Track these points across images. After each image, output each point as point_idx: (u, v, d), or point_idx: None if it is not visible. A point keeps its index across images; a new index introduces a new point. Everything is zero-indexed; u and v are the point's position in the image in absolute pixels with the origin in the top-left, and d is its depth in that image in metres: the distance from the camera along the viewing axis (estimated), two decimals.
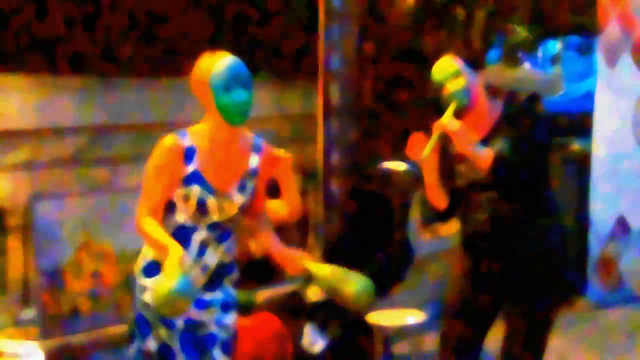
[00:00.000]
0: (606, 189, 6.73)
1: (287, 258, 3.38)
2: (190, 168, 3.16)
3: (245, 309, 4.78)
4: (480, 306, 3.76)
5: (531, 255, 3.64)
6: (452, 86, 3.60)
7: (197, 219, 3.21)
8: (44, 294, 4.73)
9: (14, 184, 4.72)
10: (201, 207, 3.19)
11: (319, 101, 6.00)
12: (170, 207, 3.21)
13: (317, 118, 6.02)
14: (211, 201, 3.20)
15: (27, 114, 4.73)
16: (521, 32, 8.07)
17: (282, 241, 3.44)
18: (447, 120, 3.52)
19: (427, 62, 6.73)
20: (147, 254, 3.29)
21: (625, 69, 6.77)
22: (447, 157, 3.68)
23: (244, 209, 3.30)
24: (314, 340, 5.05)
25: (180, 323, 3.22)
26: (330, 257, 5.84)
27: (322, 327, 5.09)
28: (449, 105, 3.61)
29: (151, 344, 3.24)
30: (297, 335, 5.03)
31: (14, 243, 4.74)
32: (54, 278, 4.76)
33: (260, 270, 5.50)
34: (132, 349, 3.32)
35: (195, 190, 3.17)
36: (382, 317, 5.10)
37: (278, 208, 3.56)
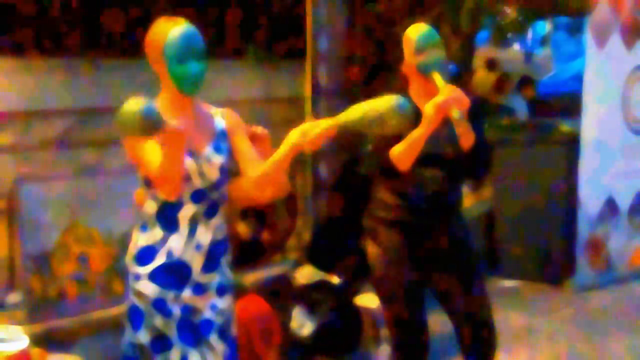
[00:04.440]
0: (595, 170, 6.73)
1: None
2: None
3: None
4: (413, 280, 3.86)
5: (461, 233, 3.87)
6: (435, 55, 3.57)
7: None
8: (30, 278, 4.71)
9: (0, 166, 4.69)
10: None
11: (307, 83, 5.97)
12: (152, 183, 3.10)
13: (305, 100, 6.00)
14: (190, 163, 3.09)
15: (12, 96, 4.70)
16: (510, 13, 8.03)
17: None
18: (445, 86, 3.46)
19: None
20: (138, 241, 3.18)
21: (615, 49, 6.76)
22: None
23: (226, 172, 3.21)
24: (302, 322, 5.05)
25: (177, 310, 3.13)
26: (318, 238, 5.84)
27: (311, 310, 5.08)
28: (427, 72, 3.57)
29: (143, 337, 3.12)
30: (286, 318, 5.02)
31: None
32: (40, 262, 4.73)
33: (249, 253, 5.50)
34: (123, 343, 3.20)
35: None
36: (371, 300, 5.10)
37: None
